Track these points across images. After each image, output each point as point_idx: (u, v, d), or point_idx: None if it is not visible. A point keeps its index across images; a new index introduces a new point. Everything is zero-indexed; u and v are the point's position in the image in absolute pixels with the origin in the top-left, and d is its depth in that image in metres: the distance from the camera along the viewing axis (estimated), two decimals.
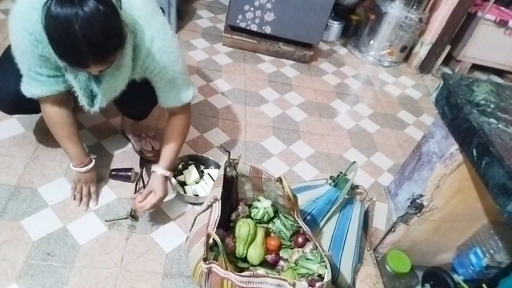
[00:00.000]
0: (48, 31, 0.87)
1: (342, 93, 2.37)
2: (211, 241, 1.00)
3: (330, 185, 1.44)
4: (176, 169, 1.49)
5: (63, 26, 0.84)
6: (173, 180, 1.44)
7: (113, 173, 1.44)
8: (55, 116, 1.19)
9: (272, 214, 1.27)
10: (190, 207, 1.43)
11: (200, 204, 1.42)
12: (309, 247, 1.15)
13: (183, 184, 1.47)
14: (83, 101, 1.12)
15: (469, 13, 2.62)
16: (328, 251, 1.29)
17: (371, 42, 2.76)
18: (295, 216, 1.16)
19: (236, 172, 1.24)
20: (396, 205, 1.33)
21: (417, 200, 1.22)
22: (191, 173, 1.49)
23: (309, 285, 0.94)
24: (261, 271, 1.14)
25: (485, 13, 2.58)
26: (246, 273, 0.96)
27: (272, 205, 1.27)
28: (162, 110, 1.62)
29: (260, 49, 2.46)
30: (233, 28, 2.42)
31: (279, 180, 1.13)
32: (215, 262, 0.98)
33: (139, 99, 1.30)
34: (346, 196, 1.38)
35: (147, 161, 1.54)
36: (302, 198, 1.35)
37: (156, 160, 1.53)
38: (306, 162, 1.79)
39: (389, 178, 1.81)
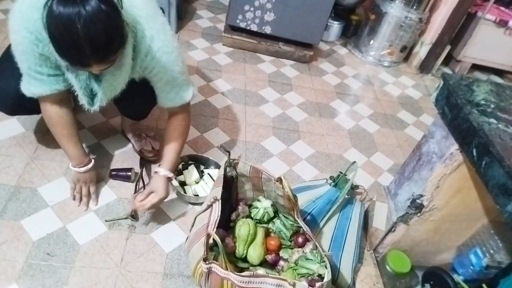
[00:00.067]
0: (50, 30, 0.87)
1: (342, 93, 2.37)
2: (211, 241, 1.00)
3: (330, 185, 1.44)
4: (176, 169, 1.49)
5: (65, 25, 0.84)
6: (175, 182, 1.44)
7: (113, 173, 1.44)
8: (55, 116, 1.19)
9: (272, 214, 1.27)
10: (190, 207, 1.43)
11: (200, 204, 1.42)
12: (309, 247, 1.15)
13: (183, 184, 1.47)
14: (83, 100, 1.12)
15: (469, 13, 2.62)
16: (328, 251, 1.29)
17: (371, 42, 2.76)
18: (295, 216, 1.16)
19: (236, 172, 1.24)
20: (396, 205, 1.33)
21: (417, 200, 1.22)
22: (191, 173, 1.49)
23: (309, 285, 0.94)
24: (261, 271, 1.14)
25: (485, 13, 2.58)
26: (246, 273, 0.96)
27: (272, 205, 1.27)
28: (162, 110, 1.62)
29: (260, 49, 2.46)
30: (233, 28, 2.42)
31: (279, 180, 1.13)
32: (215, 262, 0.98)
33: (138, 99, 1.30)
34: (346, 196, 1.38)
35: (147, 161, 1.54)
36: (302, 198, 1.35)
37: (156, 160, 1.54)
38: (306, 162, 1.79)
39: (389, 178, 1.81)
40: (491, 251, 1.23)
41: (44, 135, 1.50)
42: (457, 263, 1.34)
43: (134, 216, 1.30)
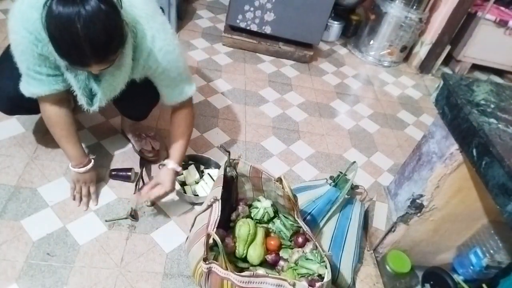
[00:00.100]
0: (50, 30, 0.87)
1: (342, 93, 2.37)
2: (211, 241, 1.00)
3: (330, 185, 1.44)
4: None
5: (65, 25, 0.84)
6: (176, 185, 1.44)
7: (113, 173, 1.44)
8: (54, 116, 1.19)
9: (272, 214, 1.27)
10: (190, 207, 1.43)
11: (200, 204, 1.42)
12: (309, 247, 1.15)
13: (183, 184, 1.47)
14: (82, 100, 1.12)
15: (469, 13, 2.62)
16: (328, 251, 1.29)
17: (371, 42, 2.76)
18: (295, 216, 1.16)
19: (236, 172, 1.24)
20: (396, 205, 1.33)
21: (417, 200, 1.22)
22: (191, 173, 1.49)
23: (309, 285, 0.94)
24: (261, 271, 1.14)
25: (485, 13, 2.58)
26: (246, 273, 0.96)
27: (272, 205, 1.26)
28: (162, 110, 1.63)
29: (260, 49, 2.46)
30: (233, 28, 2.42)
31: (279, 180, 1.13)
32: (215, 262, 0.98)
33: (138, 99, 1.30)
34: (346, 196, 1.38)
35: (147, 161, 1.54)
36: (302, 198, 1.35)
37: (156, 160, 1.54)
38: (306, 162, 1.79)
39: (389, 178, 1.81)
40: (491, 251, 1.23)
41: (44, 135, 1.50)
42: (457, 263, 1.34)
43: (134, 216, 1.30)
